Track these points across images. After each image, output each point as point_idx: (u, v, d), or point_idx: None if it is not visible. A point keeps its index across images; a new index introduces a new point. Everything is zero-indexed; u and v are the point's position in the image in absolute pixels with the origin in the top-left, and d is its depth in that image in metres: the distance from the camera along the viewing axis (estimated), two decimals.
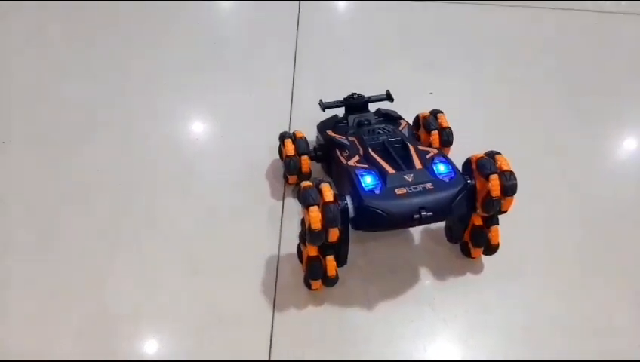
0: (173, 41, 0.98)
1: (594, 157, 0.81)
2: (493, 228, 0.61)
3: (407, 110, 0.73)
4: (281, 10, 1.06)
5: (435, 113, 0.73)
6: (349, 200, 0.55)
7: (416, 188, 0.55)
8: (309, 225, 0.53)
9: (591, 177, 0.77)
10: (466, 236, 0.64)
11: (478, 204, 0.58)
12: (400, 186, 0.55)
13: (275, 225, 0.68)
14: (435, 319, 0.60)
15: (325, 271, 0.58)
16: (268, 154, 0.76)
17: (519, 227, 0.66)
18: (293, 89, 0.88)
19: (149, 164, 0.77)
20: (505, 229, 0.61)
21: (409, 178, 0.56)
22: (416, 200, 0.54)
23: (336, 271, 0.58)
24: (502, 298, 0.62)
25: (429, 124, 0.71)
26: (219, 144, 0.81)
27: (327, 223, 0.52)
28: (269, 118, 0.83)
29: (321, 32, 1.02)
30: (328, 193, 0.53)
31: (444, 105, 0.74)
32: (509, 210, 0.59)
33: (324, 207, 0.52)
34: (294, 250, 0.64)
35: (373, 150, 0.62)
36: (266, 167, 0.75)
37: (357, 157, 0.61)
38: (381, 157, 0.60)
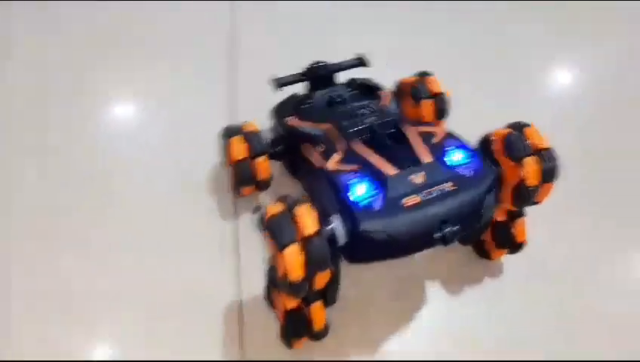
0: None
1: None
2: (519, 221, 0.48)
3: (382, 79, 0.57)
4: None
5: (422, 76, 0.55)
6: (336, 222, 0.38)
7: (431, 193, 0.38)
8: (285, 273, 0.34)
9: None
10: (486, 235, 0.49)
11: (506, 196, 0.44)
12: (408, 193, 0.38)
13: (229, 258, 0.52)
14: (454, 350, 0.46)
15: (310, 323, 0.41)
16: (208, 156, 0.57)
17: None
18: (237, 63, 0.69)
19: None
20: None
21: (418, 178, 0.39)
22: (435, 211, 0.38)
23: (326, 322, 0.42)
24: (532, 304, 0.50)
25: (418, 91, 0.53)
26: (142, 146, 0.61)
27: (312, 267, 0.35)
28: (205, 107, 0.64)
29: None
30: (309, 221, 0.35)
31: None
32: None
33: (306, 242, 0.34)
34: (260, 291, 0.47)
35: (358, 141, 0.44)
36: (207, 176, 0.57)
37: (338, 155, 0.43)
38: (372, 152, 0.42)
